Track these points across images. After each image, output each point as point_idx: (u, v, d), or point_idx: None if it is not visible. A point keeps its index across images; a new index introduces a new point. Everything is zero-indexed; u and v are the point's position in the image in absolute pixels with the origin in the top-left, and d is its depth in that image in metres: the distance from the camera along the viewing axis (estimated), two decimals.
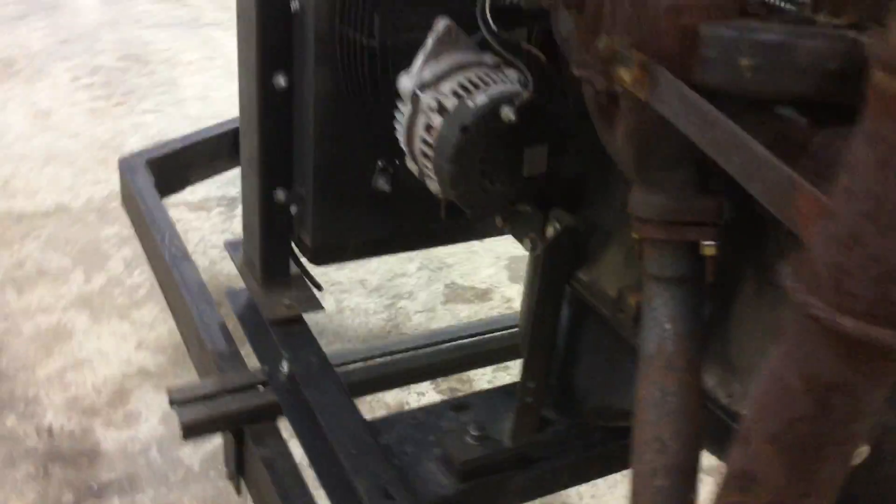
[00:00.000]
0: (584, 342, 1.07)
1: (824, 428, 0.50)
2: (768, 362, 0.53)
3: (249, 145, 1.26)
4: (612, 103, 0.74)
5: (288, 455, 1.24)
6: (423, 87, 0.95)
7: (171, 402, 1.31)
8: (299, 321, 1.33)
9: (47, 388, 2.02)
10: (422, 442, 1.15)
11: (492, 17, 0.93)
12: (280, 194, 1.26)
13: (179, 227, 2.04)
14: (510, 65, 0.95)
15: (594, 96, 0.75)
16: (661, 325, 0.79)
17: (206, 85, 3.67)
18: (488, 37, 0.92)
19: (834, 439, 0.52)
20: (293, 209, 1.27)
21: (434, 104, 0.93)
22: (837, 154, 0.51)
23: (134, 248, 2.37)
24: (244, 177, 1.32)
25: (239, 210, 2.47)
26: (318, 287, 1.37)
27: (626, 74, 0.67)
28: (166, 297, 1.77)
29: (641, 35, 0.67)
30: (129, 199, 2.02)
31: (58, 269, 2.46)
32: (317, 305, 1.33)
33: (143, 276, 2.38)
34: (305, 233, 1.25)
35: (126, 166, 2.06)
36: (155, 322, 2.25)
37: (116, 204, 2.43)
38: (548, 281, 0.98)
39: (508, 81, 0.93)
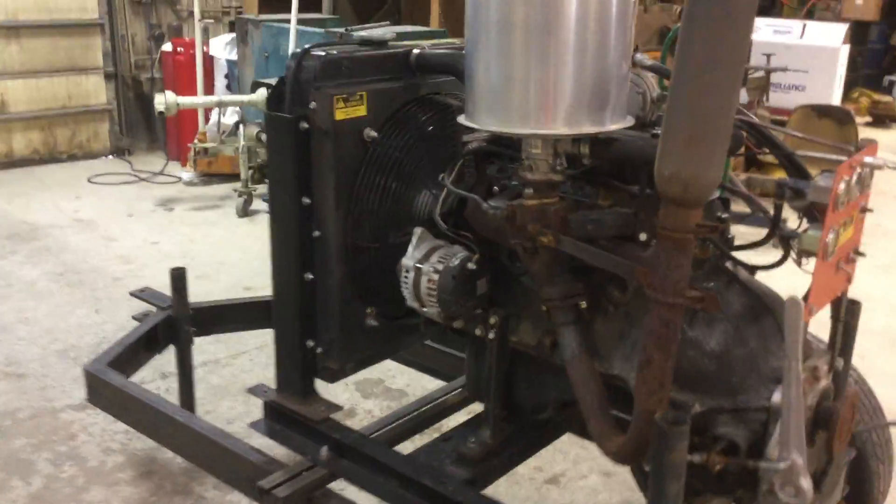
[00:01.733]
0: (518, 373, 2.03)
1: (668, 341, 1.52)
2: (645, 324, 1.53)
3: (287, 317, 2.08)
4: (534, 253, 1.73)
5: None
6: (419, 262, 1.89)
7: (262, 490, 2.03)
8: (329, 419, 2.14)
9: None
10: (437, 455, 2.02)
11: (443, 221, 1.91)
12: (310, 342, 2.09)
13: (74, 429, 2.90)
14: (456, 243, 1.92)
15: (524, 250, 1.74)
16: (570, 345, 1.78)
17: None
18: (448, 232, 1.90)
19: (670, 345, 1.53)
20: (318, 350, 2.10)
21: (431, 269, 1.87)
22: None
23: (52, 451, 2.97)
24: (281, 334, 2.12)
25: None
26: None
27: (544, 239, 1.68)
28: (186, 452, 2.44)
29: (546, 223, 1.69)
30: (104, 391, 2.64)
31: None
32: (339, 407, 2.15)
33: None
34: (332, 362, 2.08)
35: (92, 369, 2.68)
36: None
37: None
38: (500, 344, 1.94)
39: (461, 252, 1.90)
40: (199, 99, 6.46)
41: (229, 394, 3.63)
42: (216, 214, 6.30)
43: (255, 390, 2.28)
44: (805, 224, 1.60)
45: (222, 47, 7.31)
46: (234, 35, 7.22)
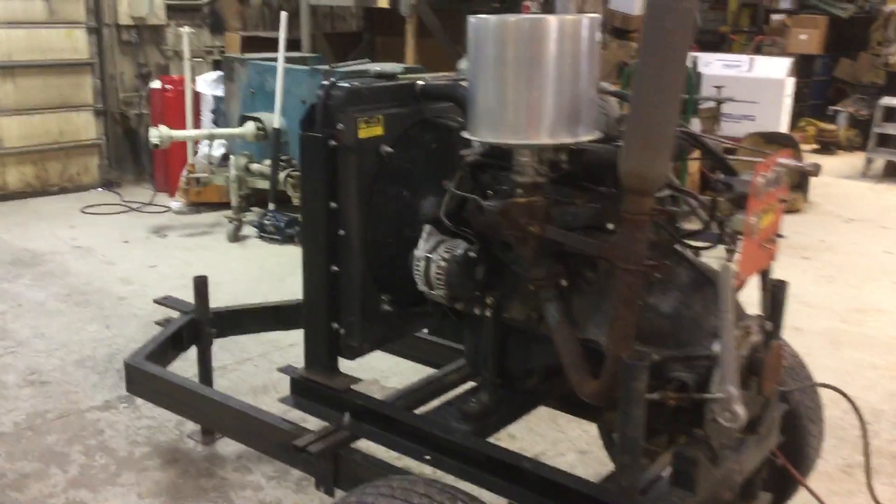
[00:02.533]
0: (510, 345, 2.45)
1: (631, 300, 1.95)
2: (614, 288, 1.96)
3: (315, 303, 2.48)
4: (524, 241, 2.15)
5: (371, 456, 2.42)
6: (429, 253, 2.31)
7: (298, 448, 2.40)
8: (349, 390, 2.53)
9: None
10: (443, 415, 2.43)
11: (448, 219, 2.33)
12: (335, 325, 2.48)
13: (101, 426, 3.31)
14: (459, 237, 2.34)
15: (516, 239, 2.16)
16: (554, 316, 2.20)
17: None
18: (452, 228, 2.32)
19: (633, 303, 1.96)
20: (342, 331, 2.49)
21: (439, 258, 2.29)
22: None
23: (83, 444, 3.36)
24: (310, 318, 2.51)
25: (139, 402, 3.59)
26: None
27: (532, 229, 2.11)
28: (224, 427, 2.81)
29: (533, 216, 2.11)
30: (143, 381, 3.00)
31: None
32: (358, 379, 2.54)
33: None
34: (353, 341, 2.48)
35: (132, 362, 3.04)
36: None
37: None
38: (495, 321, 2.36)
39: (462, 244, 2.32)
40: (191, 132, 6.86)
41: (238, 393, 3.98)
42: (208, 240, 6.67)
43: (284, 370, 2.66)
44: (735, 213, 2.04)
45: (208, 84, 7.72)
46: (219, 72, 7.64)
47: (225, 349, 4.40)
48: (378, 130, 2.36)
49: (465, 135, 2.15)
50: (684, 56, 1.76)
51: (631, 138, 1.82)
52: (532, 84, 1.99)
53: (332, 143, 2.34)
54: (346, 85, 2.34)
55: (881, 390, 4.22)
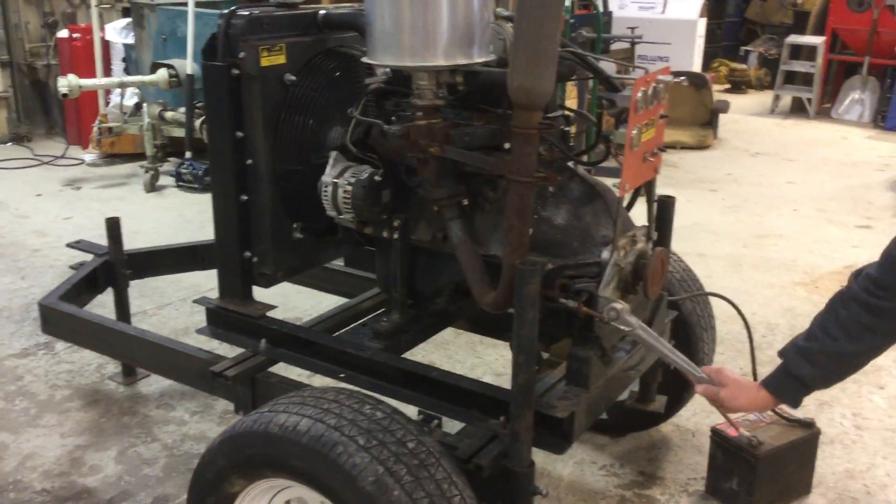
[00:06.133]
0: (418, 266, 2.55)
1: (524, 210, 2.06)
2: (508, 200, 2.06)
3: (227, 232, 2.53)
4: (425, 163, 2.24)
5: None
6: (336, 178, 2.38)
7: (214, 374, 2.47)
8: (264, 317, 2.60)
9: None
10: (357, 335, 2.53)
11: (353, 145, 2.40)
12: (247, 253, 2.54)
13: (20, 372, 3.33)
14: (364, 163, 2.42)
15: (418, 161, 2.25)
16: (457, 234, 2.31)
17: None
18: (358, 154, 2.39)
19: (526, 213, 2.08)
20: (255, 260, 2.56)
21: (346, 182, 2.36)
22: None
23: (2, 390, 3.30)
24: (222, 248, 2.56)
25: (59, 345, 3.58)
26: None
27: (433, 150, 2.19)
28: (142, 361, 2.85)
29: (434, 138, 2.20)
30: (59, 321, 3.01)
31: None
32: (273, 306, 2.62)
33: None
34: (266, 269, 2.55)
35: (46, 303, 3.05)
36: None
37: None
38: (402, 242, 2.46)
39: (368, 169, 2.40)
40: (101, 80, 6.70)
41: None
42: (124, 191, 6.57)
43: (199, 301, 2.71)
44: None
45: (118, 32, 7.52)
46: (128, 19, 7.44)
47: (145, 295, 4.42)
48: (281, 59, 2.40)
49: (365, 59, 2.22)
50: None
51: (516, 55, 1.91)
52: (427, 6, 2.05)
53: (235, 72, 2.37)
54: (247, 13, 2.37)
55: (777, 306, 4.50)
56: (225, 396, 2.62)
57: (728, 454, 2.80)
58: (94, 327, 2.91)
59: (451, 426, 2.32)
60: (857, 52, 9.99)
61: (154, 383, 3.56)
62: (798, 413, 2.88)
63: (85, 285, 3.32)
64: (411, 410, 2.24)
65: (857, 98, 9.92)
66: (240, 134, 2.43)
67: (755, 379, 2.79)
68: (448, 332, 3.65)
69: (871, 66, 9.78)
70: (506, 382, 2.00)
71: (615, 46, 7.22)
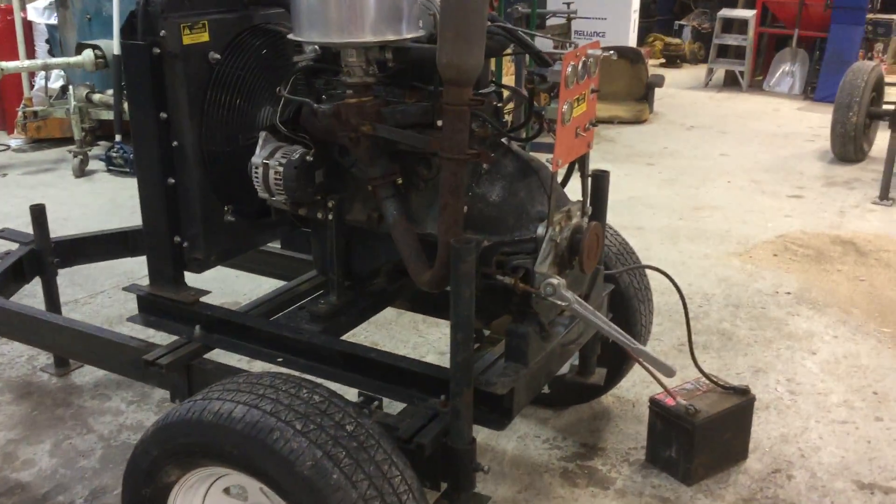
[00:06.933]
0: (354, 247, 2.52)
1: (457, 188, 2.04)
2: (441, 178, 2.04)
3: (154, 217, 2.46)
4: (357, 142, 2.21)
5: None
6: (266, 159, 2.33)
7: (148, 362, 2.41)
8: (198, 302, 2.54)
9: None
10: (294, 319, 2.49)
11: (283, 125, 2.35)
12: (177, 238, 2.48)
13: None
14: (296, 143, 2.37)
15: (350, 140, 2.21)
16: (392, 213, 2.28)
17: None
18: (288, 134, 2.34)
19: (459, 191, 2.06)
20: (185, 245, 2.49)
21: (277, 163, 2.31)
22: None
23: None
24: (150, 233, 2.49)
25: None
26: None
27: (364, 128, 2.16)
28: (72, 351, 2.76)
29: (365, 116, 2.17)
30: None
31: None
32: (206, 291, 2.56)
33: None
34: (198, 253, 2.48)
35: None
36: None
37: None
38: (337, 223, 2.42)
39: (300, 149, 2.35)
40: (24, 63, 6.46)
41: None
42: (52, 177, 6.37)
43: (129, 288, 2.64)
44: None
45: (40, 12, 7.25)
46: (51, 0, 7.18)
47: (77, 284, 4.30)
48: (204, 37, 2.33)
49: (291, 37, 2.16)
50: None
51: (445, 31, 1.89)
52: None
53: (156, 50, 2.29)
54: None
55: (713, 276, 4.58)
56: (160, 385, 2.56)
57: (666, 423, 2.84)
58: (21, 318, 2.80)
59: (393, 407, 2.31)
60: (786, 24, 10.19)
61: (88, 374, 3.46)
62: (733, 380, 2.95)
63: (11, 275, 3.20)
64: (352, 393, 2.21)
65: (788, 70, 10.14)
66: (164, 115, 2.36)
67: (692, 349, 2.86)
68: (390, 312, 3.63)
69: (800, 39, 10.00)
70: (448, 361, 1.99)
71: (551, 22, 7.23)
